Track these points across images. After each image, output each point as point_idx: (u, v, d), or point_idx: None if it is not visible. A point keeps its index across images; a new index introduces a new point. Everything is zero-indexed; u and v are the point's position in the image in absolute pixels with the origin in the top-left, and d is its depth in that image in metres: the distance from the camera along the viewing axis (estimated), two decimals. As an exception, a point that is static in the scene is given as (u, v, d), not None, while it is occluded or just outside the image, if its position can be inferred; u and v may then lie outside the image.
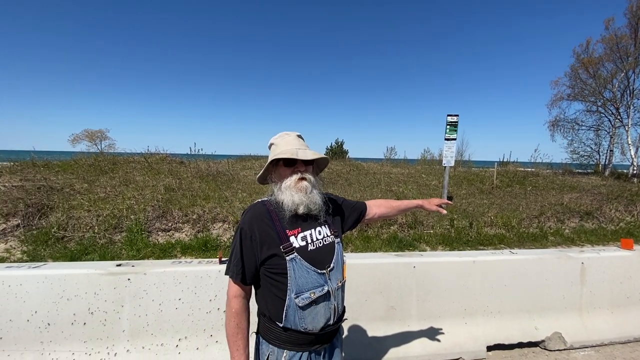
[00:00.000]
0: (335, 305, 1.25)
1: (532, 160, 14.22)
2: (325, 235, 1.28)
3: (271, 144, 1.36)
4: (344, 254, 1.37)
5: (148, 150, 9.86)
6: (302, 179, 1.24)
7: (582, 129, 17.11)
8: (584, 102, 16.62)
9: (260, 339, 1.27)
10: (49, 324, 2.11)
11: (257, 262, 1.20)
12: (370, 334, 2.45)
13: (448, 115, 7.72)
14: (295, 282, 1.17)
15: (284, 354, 1.21)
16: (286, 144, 1.29)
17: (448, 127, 7.74)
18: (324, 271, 1.22)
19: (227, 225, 5.55)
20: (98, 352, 2.13)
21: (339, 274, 1.29)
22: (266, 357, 1.23)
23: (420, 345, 2.46)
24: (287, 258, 1.16)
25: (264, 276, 1.22)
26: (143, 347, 2.17)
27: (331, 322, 1.24)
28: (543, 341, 2.65)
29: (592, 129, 16.83)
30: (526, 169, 12.47)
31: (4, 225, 4.95)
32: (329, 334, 1.27)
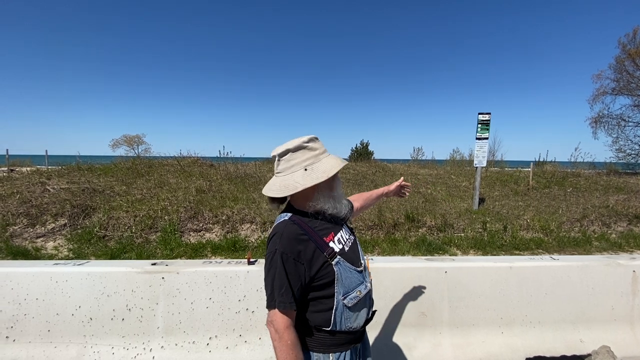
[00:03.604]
0: (373, 298, 1.34)
1: (572, 160, 13.31)
2: (349, 234, 1.33)
3: (301, 147, 1.19)
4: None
5: (180, 153, 10.32)
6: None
7: (629, 126, 15.79)
8: (631, 97, 15.33)
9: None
10: (91, 319, 2.24)
11: (304, 283, 1.13)
12: (399, 340, 2.38)
13: (479, 114, 7.43)
14: (342, 284, 1.17)
15: (330, 357, 1.19)
16: (320, 150, 1.22)
17: (479, 125, 7.45)
18: (361, 268, 1.25)
19: (254, 227, 5.65)
20: (135, 347, 2.23)
21: (366, 268, 1.34)
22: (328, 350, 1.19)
23: (452, 354, 2.36)
24: (333, 263, 1.15)
25: (310, 290, 1.17)
26: (176, 344, 2.24)
27: (369, 316, 1.30)
28: (589, 355, 2.45)
29: (642, 125, 15.51)
30: (565, 169, 11.68)
31: (53, 225, 5.35)
32: (363, 330, 1.31)
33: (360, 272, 1.24)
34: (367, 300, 1.28)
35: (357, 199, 1.70)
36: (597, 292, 2.55)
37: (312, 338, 1.19)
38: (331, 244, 1.19)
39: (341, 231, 1.28)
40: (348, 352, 1.22)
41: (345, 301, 1.17)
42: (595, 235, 6.17)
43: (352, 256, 1.24)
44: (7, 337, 2.20)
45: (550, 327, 2.50)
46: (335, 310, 1.16)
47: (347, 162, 1.28)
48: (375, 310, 1.38)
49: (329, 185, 1.22)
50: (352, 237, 1.33)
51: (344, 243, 1.24)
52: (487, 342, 2.41)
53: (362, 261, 1.28)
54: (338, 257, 1.17)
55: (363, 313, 1.25)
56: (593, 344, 2.47)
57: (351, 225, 1.41)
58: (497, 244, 5.62)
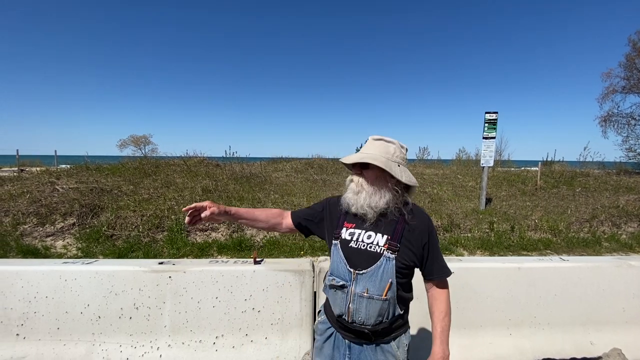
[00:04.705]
0: (352, 308, 1.26)
1: (580, 159, 13.10)
2: (375, 244, 1.26)
3: None
4: (394, 274, 1.23)
5: (187, 153, 10.40)
6: (351, 180, 1.32)
7: (639, 124, 15.50)
8: (642, 95, 15.03)
9: None
10: (99, 317, 2.26)
11: (312, 219, 1.45)
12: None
13: (486, 113, 7.36)
14: (332, 264, 1.35)
15: (322, 317, 1.45)
16: (362, 147, 1.37)
17: (486, 125, 7.38)
18: (352, 270, 1.26)
19: (260, 226, 5.66)
20: (142, 345, 2.24)
21: (372, 285, 1.23)
22: (318, 310, 1.54)
23: (459, 355, 2.33)
24: (333, 242, 1.34)
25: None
26: (183, 343, 2.26)
27: (345, 318, 1.30)
28: (600, 358, 2.41)
29: (652, 124, 15.17)
30: (574, 169, 11.51)
31: (63, 224, 5.42)
32: (348, 330, 1.31)
33: (349, 271, 1.26)
34: (342, 296, 1.28)
35: (435, 302, 1.34)
36: (607, 293, 2.51)
37: None
38: (343, 230, 1.33)
39: (363, 231, 1.29)
40: (331, 329, 1.37)
41: (327, 278, 1.35)
42: (605, 236, 6.07)
43: (351, 254, 1.28)
44: (17, 334, 2.23)
45: (560, 328, 2.47)
46: (325, 277, 1.38)
47: (343, 162, 1.34)
48: (367, 333, 1.27)
49: None
50: (376, 248, 1.25)
51: (354, 240, 1.29)
52: (495, 344, 2.39)
53: (364, 270, 1.24)
54: (338, 242, 1.32)
55: (336, 304, 1.32)
56: (604, 347, 2.43)
57: (394, 248, 1.25)
58: (505, 245, 5.57)
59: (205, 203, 1.34)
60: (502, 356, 2.35)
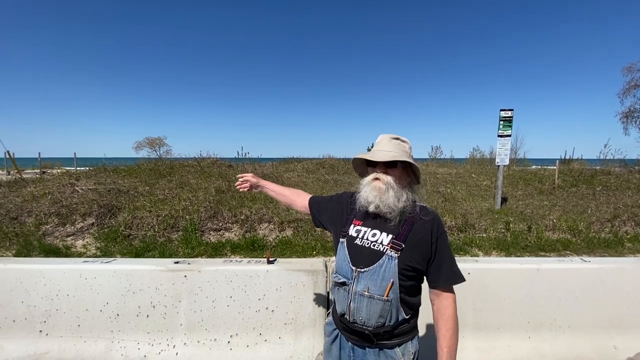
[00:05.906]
0: (353, 307, 1.23)
1: (601, 157, 12.64)
2: (378, 242, 1.22)
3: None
4: (397, 274, 1.18)
5: (200, 155, 10.55)
6: (376, 179, 1.25)
7: (663, 120, 14.83)
8: (666, 90, 14.37)
9: None
10: (118, 315, 2.32)
11: (325, 213, 1.49)
12: (421, 342, 2.33)
13: (501, 110, 7.20)
14: (336, 261, 1.32)
15: (329, 318, 1.43)
16: (376, 145, 1.34)
17: (502, 122, 7.21)
18: (354, 268, 1.23)
19: (272, 226, 5.70)
20: (159, 343, 2.29)
21: (373, 284, 1.19)
22: (328, 311, 1.54)
23: (477, 357, 2.29)
24: (340, 240, 1.32)
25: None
26: (198, 341, 2.29)
27: (347, 318, 1.26)
28: (624, 362, 2.33)
29: (677, 119, 14.50)
30: (594, 167, 11.12)
31: (82, 224, 5.58)
32: (350, 331, 1.28)
33: (351, 269, 1.23)
34: (344, 294, 1.26)
35: (440, 311, 1.25)
36: (632, 296, 2.42)
37: None
38: (351, 227, 1.32)
39: (370, 229, 1.26)
40: (337, 331, 1.35)
41: (332, 276, 1.34)
42: (628, 237, 5.86)
43: (355, 252, 1.25)
44: (40, 330, 2.31)
45: (581, 332, 2.39)
46: (332, 273, 1.39)
47: (369, 156, 1.27)
48: (368, 334, 1.23)
49: (364, 173, 1.36)
50: (379, 246, 1.22)
51: (359, 237, 1.27)
52: (513, 347, 2.33)
53: (365, 269, 1.20)
54: (344, 239, 1.30)
55: (339, 303, 1.30)
56: (628, 351, 2.34)
57: (398, 248, 1.20)
58: (521, 245, 5.43)
59: (249, 175, 1.72)
60: (521, 359, 2.29)
